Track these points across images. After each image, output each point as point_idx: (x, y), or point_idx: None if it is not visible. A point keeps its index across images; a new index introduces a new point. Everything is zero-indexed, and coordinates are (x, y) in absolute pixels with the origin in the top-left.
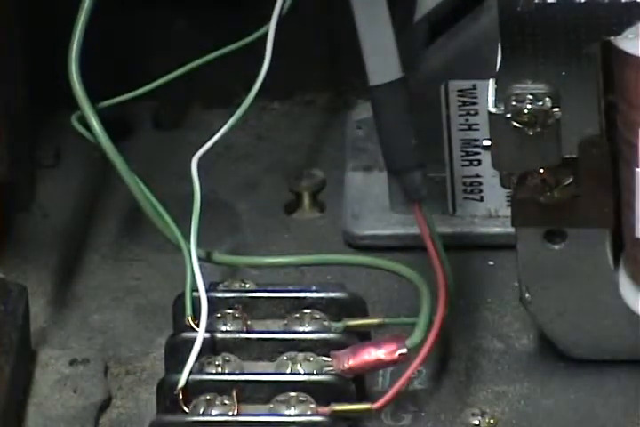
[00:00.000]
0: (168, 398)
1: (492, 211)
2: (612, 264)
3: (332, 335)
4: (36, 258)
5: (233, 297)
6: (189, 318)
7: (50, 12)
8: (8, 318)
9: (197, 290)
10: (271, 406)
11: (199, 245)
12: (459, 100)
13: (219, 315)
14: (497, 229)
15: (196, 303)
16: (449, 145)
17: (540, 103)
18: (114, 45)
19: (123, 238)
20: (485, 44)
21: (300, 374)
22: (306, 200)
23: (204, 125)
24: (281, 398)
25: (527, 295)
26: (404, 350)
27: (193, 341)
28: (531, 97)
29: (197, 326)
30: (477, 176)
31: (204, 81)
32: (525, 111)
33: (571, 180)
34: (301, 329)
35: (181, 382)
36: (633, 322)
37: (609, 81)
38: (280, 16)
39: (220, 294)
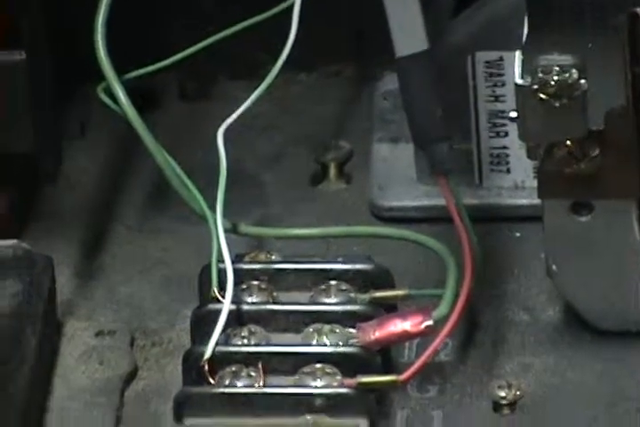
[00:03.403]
0: (194, 369)
1: (518, 182)
2: (639, 236)
3: (358, 307)
4: (62, 230)
5: (259, 269)
6: (215, 290)
7: None
8: (34, 289)
9: (223, 261)
10: (297, 377)
11: (225, 216)
12: (485, 72)
13: (244, 286)
14: (523, 201)
15: (221, 275)
16: (475, 116)
17: (567, 75)
18: (140, 16)
19: (149, 210)
20: (512, 15)
21: (325, 345)
22: (332, 171)
23: (230, 97)
24: (307, 369)
25: (554, 267)
26: (431, 322)
27: (219, 312)
28: (557, 68)
29: (223, 297)
30: (504, 148)
31: (230, 52)
32: (552, 83)
33: (597, 151)
34: (327, 301)
35: (207, 354)
36: None
37: (636, 52)
38: None
39: (245, 266)
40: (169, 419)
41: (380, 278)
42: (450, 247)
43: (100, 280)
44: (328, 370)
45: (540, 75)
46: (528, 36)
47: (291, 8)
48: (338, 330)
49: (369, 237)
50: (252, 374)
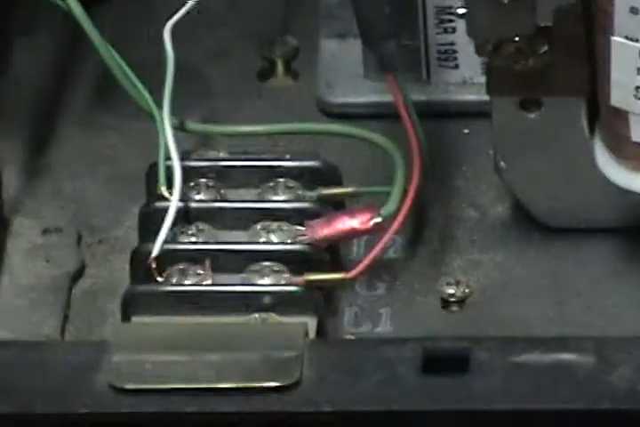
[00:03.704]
0: (141, 267)
1: (466, 78)
2: (588, 133)
3: (305, 204)
4: (7, 127)
5: (206, 166)
6: (162, 188)
7: None
8: None
9: (170, 159)
10: (245, 275)
11: (172, 113)
12: None
13: (192, 184)
14: (472, 97)
15: (169, 172)
16: (423, 13)
17: None
18: None
19: (95, 107)
20: None
21: (273, 243)
22: (279, 68)
23: None
24: (255, 267)
25: (502, 164)
26: (379, 219)
27: (166, 210)
28: None
29: (171, 195)
30: (452, 44)
31: None
32: None
33: (546, 48)
34: (275, 198)
35: (155, 252)
36: (607, 190)
37: None
38: None
39: (193, 163)
40: (117, 317)
41: (327, 176)
42: (398, 144)
43: (46, 178)
44: (276, 268)
45: None
46: None
47: None
48: (286, 227)
49: (317, 134)
50: (200, 272)
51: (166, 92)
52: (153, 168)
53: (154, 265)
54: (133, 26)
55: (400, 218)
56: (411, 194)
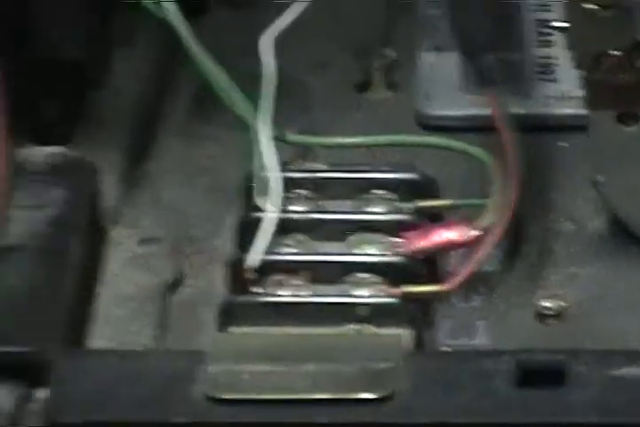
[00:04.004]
0: (239, 278)
1: (565, 92)
2: None
3: (403, 216)
4: (107, 136)
5: (304, 177)
6: (260, 198)
7: None
8: (79, 196)
9: (269, 170)
10: (342, 287)
11: (271, 124)
12: None
13: (290, 195)
14: (570, 111)
15: (267, 183)
16: (522, 26)
17: None
18: None
19: (195, 117)
20: None
21: (371, 255)
22: (378, 79)
23: (278, 3)
24: (351, 278)
25: (599, 177)
26: (476, 232)
27: (264, 221)
28: None
29: (269, 206)
30: (551, 57)
31: None
32: None
33: None
34: (373, 210)
35: (252, 262)
36: None
37: None
38: None
39: (291, 174)
40: (214, 327)
41: (425, 188)
42: (495, 157)
43: (145, 187)
44: (373, 279)
45: None
46: None
47: None
48: (383, 239)
49: (414, 146)
50: (297, 283)
51: (265, 102)
52: (251, 179)
53: (251, 276)
54: (233, 36)
55: (497, 231)
56: (508, 207)
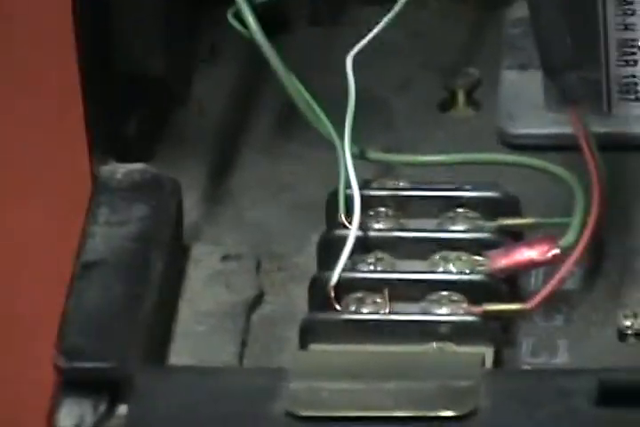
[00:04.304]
0: (320, 295)
1: None
2: None
3: (485, 235)
4: (190, 153)
5: (386, 195)
6: (342, 216)
7: None
8: (161, 213)
9: (351, 187)
10: (423, 305)
11: (353, 141)
12: (616, 0)
13: (371, 213)
14: None
15: (349, 201)
16: (605, 45)
17: None
18: None
19: (277, 134)
20: None
21: (452, 273)
22: (461, 98)
23: (361, 22)
24: (433, 297)
25: None
26: (558, 251)
27: (346, 238)
28: None
29: (350, 223)
30: (633, 76)
31: None
32: None
33: None
34: (454, 228)
35: (334, 280)
36: None
37: None
38: None
39: (373, 192)
40: (294, 344)
41: (507, 206)
42: (578, 176)
43: (228, 204)
44: (454, 298)
45: None
46: None
47: None
48: (464, 257)
49: (497, 165)
50: (378, 300)
51: (347, 120)
52: (333, 196)
53: (332, 293)
54: (316, 54)
55: (579, 249)
56: (590, 226)
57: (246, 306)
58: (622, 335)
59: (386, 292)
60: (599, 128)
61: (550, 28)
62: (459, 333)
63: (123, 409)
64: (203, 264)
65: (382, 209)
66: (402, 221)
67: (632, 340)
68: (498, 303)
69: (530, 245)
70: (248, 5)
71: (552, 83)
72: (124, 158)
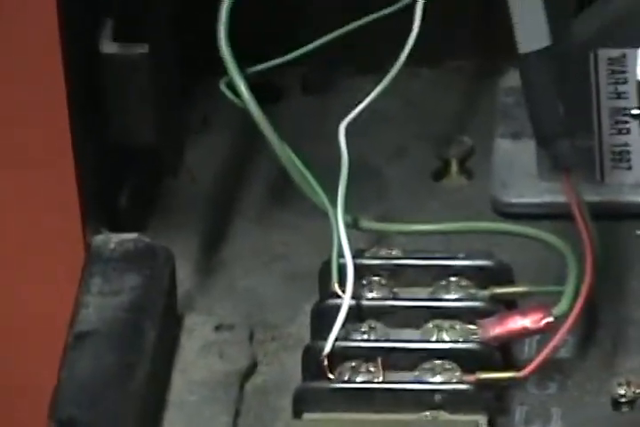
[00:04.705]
0: (313, 364)
1: None
2: None
3: (478, 303)
4: (183, 223)
5: (379, 264)
6: (335, 285)
7: None
8: (154, 282)
9: (344, 256)
10: (416, 373)
11: (346, 211)
12: (608, 69)
13: (365, 282)
14: None
15: (342, 270)
16: (597, 113)
17: None
18: (263, 10)
19: (270, 204)
20: (636, 12)
21: (445, 341)
22: (454, 167)
23: (353, 90)
24: (426, 365)
25: None
26: (551, 319)
27: (339, 307)
28: None
29: (343, 292)
30: (626, 145)
31: (353, 46)
32: None
33: None
34: (447, 297)
35: (327, 349)
36: None
37: None
38: None
39: (366, 261)
40: (288, 414)
41: (500, 275)
42: (571, 244)
43: (221, 274)
44: (447, 366)
45: None
46: None
47: (415, 2)
48: (458, 326)
49: (490, 233)
50: (372, 369)
51: (340, 189)
52: (326, 265)
53: (325, 362)
54: (309, 123)
55: (572, 318)
56: (583, 294)
57: (239, 376)
58: (616, 404)
59: (379, 360)
60: (592, 197)
61: (542, 96)
62: (452, 401)
63: None
64: (196, 334)
65: (375, 278)
66: (395, 289)
67: (626, 408)
68: (491, 372)
69: (523, 313)
70: (240, 75)
71: (544, 151)
72: (116, 228)
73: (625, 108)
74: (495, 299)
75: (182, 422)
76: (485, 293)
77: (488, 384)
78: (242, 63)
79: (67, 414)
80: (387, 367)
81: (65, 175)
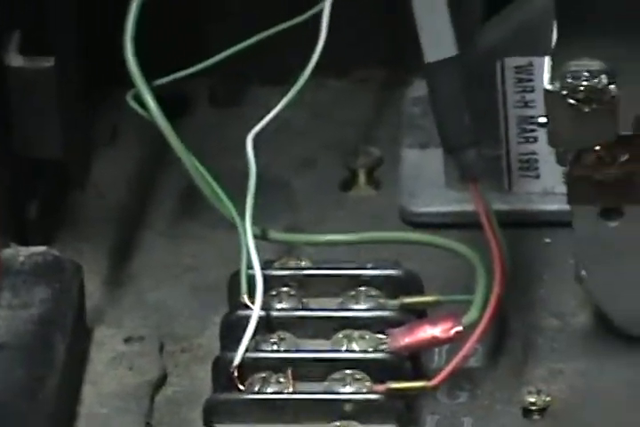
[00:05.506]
0: (223, 376)
1: (548, 188)
2: None
3: (387, 313)
4: (91, 236)
5: (288, 275)
6: (245, 296)
7: None
8: (63, 296)
9: (253, 268)
10: (327, 383)
11: (255, 222)
12: (515, 77)
13: (274, 293)
14: (553, 207)
15: (251, 281)
16: (505, 122)
17: (596, 80)
18: (170, 22)
19: (179, 216)
20: (542, 21)
21: (355, 351)
22: (362, 177)
23: (261, 102)
24: (336, 375)
25: (583, 273)
26: (460, 328)
27: (248, 318)
28: (587, 74)
29: (253, 303)
30: (533, 153)
31: (260, 57)
32: (581, 88)
33: (627, 156)
34: (357, 307)
35: (237, 360)
36: None
37: None
38: None
39: (275, 272)
40: (198, 425)
41: (409, 284)
42: (479, 253)
43: (129, 286)
44: (358, 376)
45: (570, 80)
46: (557, 41)
47: (321, 13)
48: (367, 336)
49: (399, 243)
50: (282, 380)
51: (248, 200)
52: (235, 277)
53: (236, 373)
54: (216, 135)
55: (482, 327)
56: (492, 303)
57: (150, 387)
58: (527, 412)
59: (289, 371)
60: (500, 205)
61: (449, 106)
62: (363, 411)
63: None
64: (106, 347)
65: (284, 289)
66: (304, 300)
67: (536, 416)
68: (401, 381)
69: (432, 322)
70: (147, 87)
71: (452, 161)
72: (25, 241)
73: (532, 117)
74: (404, 308)
75: None
76: (395, 302)
77: (398, 394)
78: (149, 75)
79: None
80: (297, 378)
81: None
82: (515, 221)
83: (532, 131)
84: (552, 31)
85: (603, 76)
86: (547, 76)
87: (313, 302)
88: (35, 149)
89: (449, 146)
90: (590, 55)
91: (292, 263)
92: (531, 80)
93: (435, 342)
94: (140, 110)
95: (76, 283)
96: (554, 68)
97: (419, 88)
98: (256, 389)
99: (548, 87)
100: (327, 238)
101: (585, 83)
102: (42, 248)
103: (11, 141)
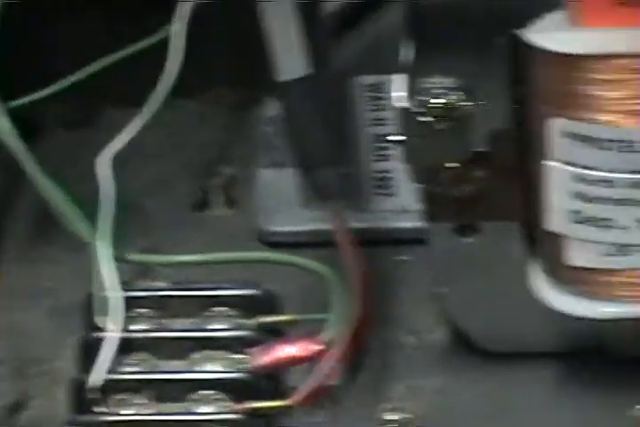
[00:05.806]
0: (80, 398)
1: (403, 206)
2: (525, 257)
3: (245, 333)
4: None
5: (145, 296)
6: (101, 318)
7: None
8: None
9: (109, 289)
10: (186, 404)
11: (111, 244)
12: (367, 96)
13: (131, 314)
14: (409, 224)
15: (106, 303)
16: (358, 140)
17: (449, 97)
18: (22, 44)
19: (34, 239)
20: (394, 38)
21: (213, 371)
22: (217, 197)
23: (114, 124)
24: (196, 396)
25: (440, 289)
26: (318, 347)
27: (104, 340)
28: (439, 91)
29: (106, 325)
30: (388, 171)
31: (114, 80)
32: (434, 105)
33: (482, 173)
34: (214, 327)
35: (94, 382)
36: (545, 316)
37: (518, 73)
38: (188, 14)
39: (132, 294)
40: None
41: (266, 304)
42: (336, 271)
43: None
44: (217, 396)
45: (422, 97)
46: (410, 58)
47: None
48: (226, 356)
49: (255, 263)
50: (142, 401)
51: (103, 223)
52: (91, 299)
53: (94, 395)
54: (71, 157)
55: (339, 345)
56: (350, 321)
57: (7, 411)
58: None
59: (148, 392)
60: (356, 223)
61: (303, 125)
62: None
63: None
64: None
65: (142, 310)
66: (163, 321)
67: None
68: (261, 400)
69: (291, 341)
70: (2, 109)
71: (307, 180)
72: None
73: (385, 135)
74: (262, 328)
75: None
76: (252, 322)
77: (258, 413)
78: (3, 98)
79: None
80: (157, 399)
81: None
82: (370, 239)
83: (386, 149)
84: (401, 48)
85: (455, 93)
86: (400, 93)
87: (170, 323)
88: None
89: (304, 165)
90: (443, 72)
91: (149, 284)
92: (383, 98)
93: (293, 361)
94: None
95: None
96: (408, 86)
97: (272, 107)
98: (115, 410)
99: (400, 105)
100: (182, 259)
101: (437, 100)
102: None
103: None
